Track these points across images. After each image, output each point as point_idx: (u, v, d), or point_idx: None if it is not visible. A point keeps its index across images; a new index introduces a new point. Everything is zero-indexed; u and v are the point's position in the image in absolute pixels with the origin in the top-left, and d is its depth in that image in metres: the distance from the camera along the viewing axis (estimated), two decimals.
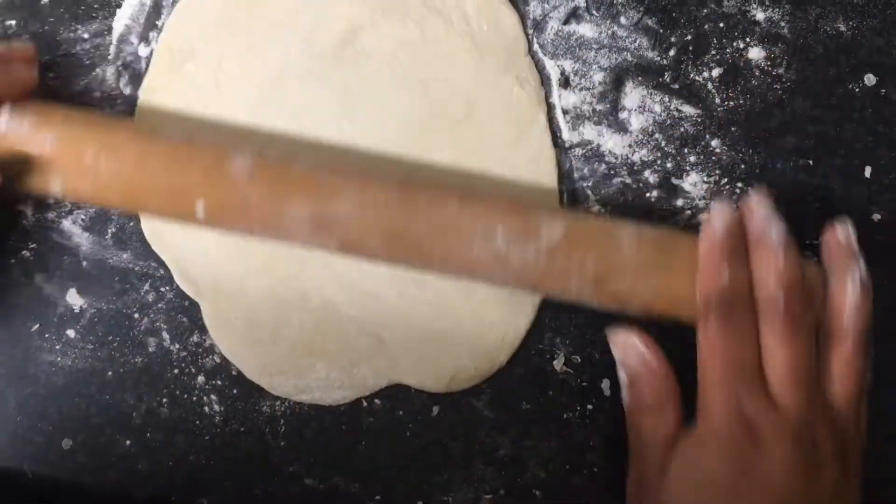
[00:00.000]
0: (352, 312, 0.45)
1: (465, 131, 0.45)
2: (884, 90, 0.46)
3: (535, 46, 0.46)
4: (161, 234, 0.46)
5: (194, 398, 0.46)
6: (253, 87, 0.46)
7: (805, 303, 0.39)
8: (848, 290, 0.39)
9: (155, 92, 0.46)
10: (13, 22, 0.46)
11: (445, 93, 0.45)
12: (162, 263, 0.46)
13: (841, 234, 0.41)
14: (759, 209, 0.40)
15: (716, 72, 0.46)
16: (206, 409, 0.46)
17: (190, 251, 0.45)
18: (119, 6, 0.46)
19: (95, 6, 0.46)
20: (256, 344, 0.45)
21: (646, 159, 0.46)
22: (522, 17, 0.46)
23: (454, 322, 0.45)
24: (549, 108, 0.46)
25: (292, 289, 0.45)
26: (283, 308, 0.45)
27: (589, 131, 0.46)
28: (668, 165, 0.46)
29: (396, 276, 0.45)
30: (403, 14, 0.46)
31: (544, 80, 0.46)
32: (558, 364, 0.46)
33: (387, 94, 0.45)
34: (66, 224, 0.46)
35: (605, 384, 0.46)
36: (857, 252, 0.40)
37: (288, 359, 0.45)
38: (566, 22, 0.46)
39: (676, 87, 0.46)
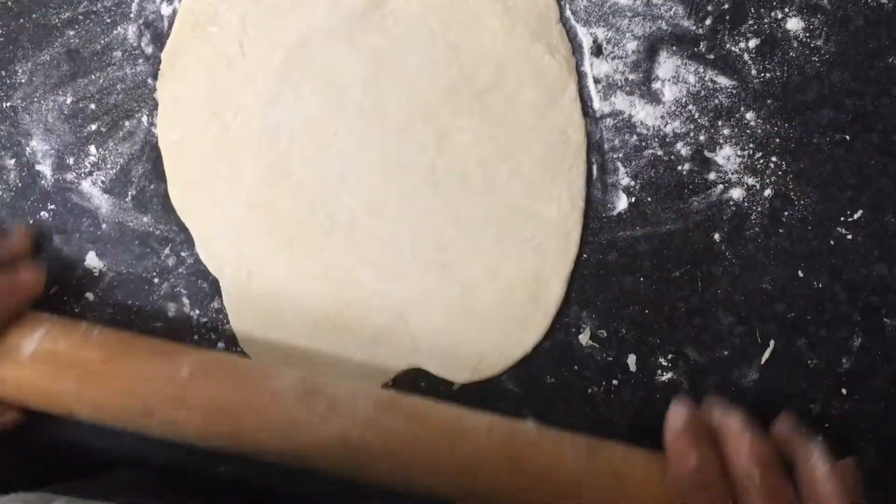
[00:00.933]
0: (374, 287, 0.45)
1: (493, 98, 0.44)
2: None
3: (568, 13, 0.45)
4: (187, 202, 0.45)
5: None
6: (277, 49, 0.45)
7: (781, 474, 0.38)
8: (817, 464, 0.39)
9: (178, 55, 0.45)
10: None
11: (474, 58, 0.44)
12: (183, 228, 0.45)
13: (785, 427, 0.41)
14: (717, 406, 0.41)
15: (752, 42, 0.45)
16: None
17: (215, 223, 0.45)
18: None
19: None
20: (276, 331, 0.44)
21: (678, 131, 0.45)
22: None
23: (479, 303, 0.44)
24: (580, 76, 0.45)
25: (315, 263, 0.45)
26: (305, 283, 0.45)
27: (620, 101, 0.45)
28: (701, 138, 0.45)
29: (419, 254, 0.44)
30: None
31: (576, 48, 0.45)
32: (584, 338, 0.45)
33: (414, 58, 0.44)
34: (86, 185, 0.45)
35: (632, 359, 0.45)
36: (805, 437, 0.40)
37: (309, 340, 0.44)
38: None
39: (711, 57, 0.45)
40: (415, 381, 0.45)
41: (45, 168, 0.46)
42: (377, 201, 0.45)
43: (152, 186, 0.45)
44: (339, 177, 0.45)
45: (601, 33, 0.45)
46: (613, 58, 0.45)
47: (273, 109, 0.45)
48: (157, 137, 0.46)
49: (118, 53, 0.45)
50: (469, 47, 0.44)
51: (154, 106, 0.46)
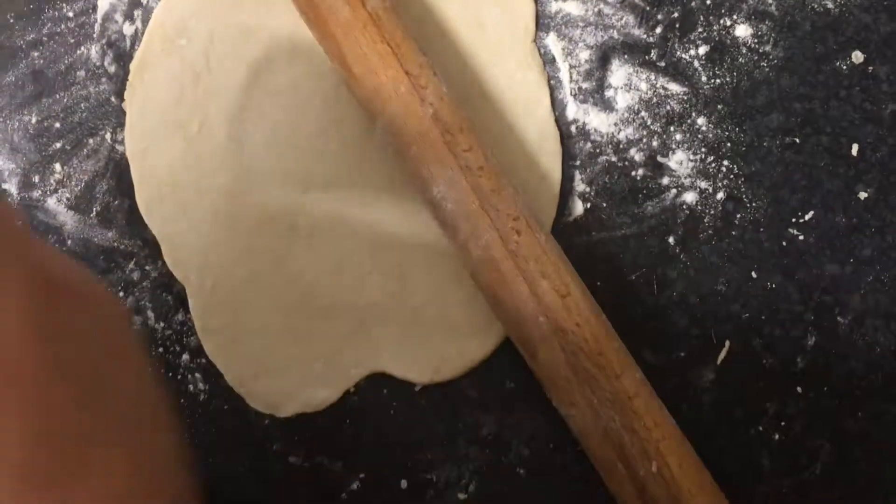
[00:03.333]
0: (334, 298, 0.45)
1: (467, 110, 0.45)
2: (871, 68, 0.45)
3: None
4: (154, 210, 0.46)
5: (179, 376, 0.46)
6: (242, 64, 0.46)
7: None
8: None
9: (146, 67, 0.46)
10: None
11: (450, 71, 0.45)
12: (147, 242, 0.46)
13: None
14: None
15: (702, 49, 0.46)
16: (191, 387, 0.46)
17: (181, 231, 0.45)
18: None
19: None
20: (241, 338, 0.45)
21: (632, 137, 0.46)
22: None
23: (440, 308, 0.45)
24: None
25: (277, 274, 0.45)
26: (268, 292, 0.45)
27: (574, 109, 0.46)
28: (654, 144, 0.46)
29: (380, 264, 0.45)
30: None
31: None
32: None
33: None
34: (51, 203, 0.46)
35: None
36: None
37: (273, 351, 0.45)
38: None
39: (663, 64, 0.46)
40: (378, 385, 0.46)
41: (11, 186, 0.46)
42: (338, 212, 0.46)
43: (116, 202, 0.46)
44: (300, 188, 0.46)
45: (553, 43, 0.46)
46: (567, 67, 0.46)
47: (237, 122, 0.46)
48: (120, 154, 0.46)
49: (82, 73, 0.46)
50: (436, 60, 0.45)
51: (118, 124, 0.47)
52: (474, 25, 0.46)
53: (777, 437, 0.45)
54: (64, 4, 0.46)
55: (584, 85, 0.46)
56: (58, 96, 0.47)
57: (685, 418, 0.45)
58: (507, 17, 0.46)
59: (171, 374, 0.46)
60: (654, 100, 0.46)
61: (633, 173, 0.46)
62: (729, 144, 0.46)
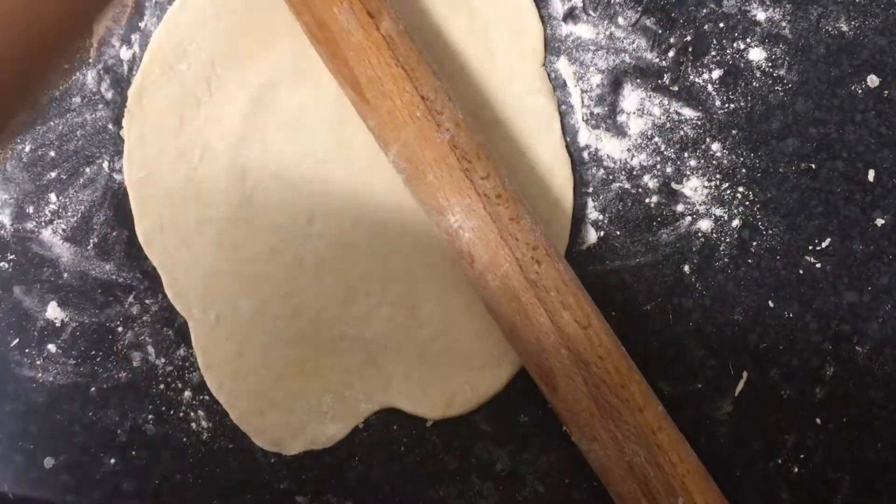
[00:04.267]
0: (343, 330, 0.44)
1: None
2: (886, 91, 0.45)
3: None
4: (155, 241, 0.44)
5: (181, 414, 0.45)
6: (244, 90, 0.44)
7: None
8: None
9: (144, 92, 0.44)
10: None
11: (458, 95, 0.44)
12: (147, 275, 0.44)
13: None
14: None
15: (716, 73, 0.45)
16: (194, 425, 0.45)
17: (183, 263, 0.44)
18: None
19: None
20: (246, 374, 0.44)
21: (645, 164, 0.45)
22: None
23: (452, 340, 0.44)
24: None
25: (283, 306, 0.44)
26: (273, 325, 0.44)
27: (586, 135, 0.45)
28: (668, 170, 0.45)
29: (389, 295, 0.44)
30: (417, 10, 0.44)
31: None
32: None
33: None
34: (46, 234, 0.45)
35: None
36: None
37: (279, 386, 0.44)
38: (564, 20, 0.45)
39: (676, 89, 0.45)
40: (388, 420, 0.45)
41: (4, 217, 0.45)
42: (345, 242, 0.44)
43: (114, 233, 0.45)
44: (306, 218, 0.44)
45: (565, 67, 0.45)
46: (579, 92, 0.45)
47: (239, 150, 0.44)
48: (118, 184, 0.45)
49: (77, 99, 0.45)
50: (451, 83, 0.44)
51: (116, 151, 0.45)
52: (482, 49, 0.45)
53: (796, 469, 0.44)
54: None
55: (596, 110, 0.45)
56: (52, 123, 0.45)
57: (702, 450, 0.44)
58: (516, 41, 0.45)
59: (172, 413, 0.45)
60: (668, 125, 0.45)
61: (647, 200, 0.45)
62: (744, 170, 0.45)
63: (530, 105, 0.45)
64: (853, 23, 0.45)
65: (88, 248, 0.45)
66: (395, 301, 0.44)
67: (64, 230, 0.45)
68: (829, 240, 0.44)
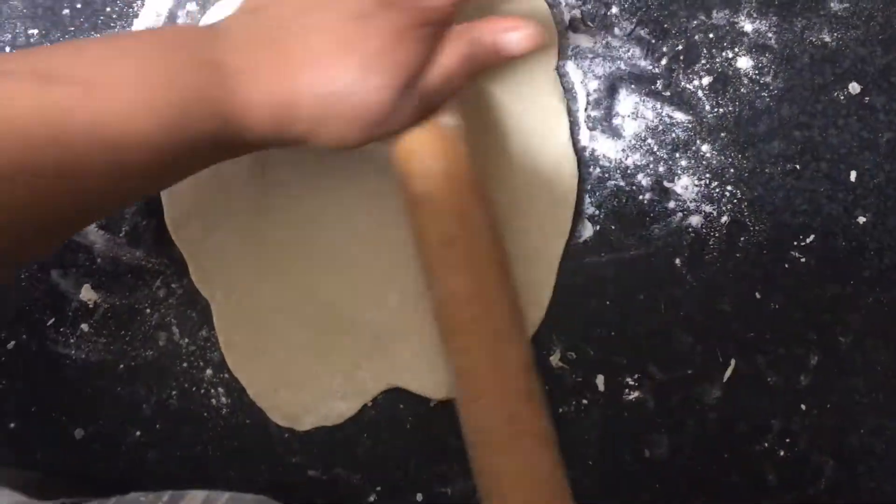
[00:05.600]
0: (353, 314, 0.47)
1: (481, 131, 0.47)
2: (867, 98, 0.48)
3: None
4: (182, 228, 0.47)
5: (202, 391, 0.48)
6: None
7: None
8: None
9: None
10: (35, 31, 0.49)
11: (473, 95, 0.47)
12: (174, 260, 0.48)
13: None
14: None
15: (706, 80, 0.48)
16: (214, 401, 0.48)
17: (208, 249, 0.47)
18: (136, 17, 0.49)
19: (114, 16, 0.49)
20: (263, 353, 0.47)
21: (639, 163, 0.48)
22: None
23: None
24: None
25: (299, 290, 0.47)
26: (290, 308, 0.47)
27: (584, 136, 0.48)
28: (661, 169, 0.48)
29: (399, 282, 0.46)
30: None
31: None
32: (554, 359, 0.47)
33: None
34: None
35: (600, 379, 0.47)
36: None
37: (293, 365, 0.47)
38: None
39: (668, 94, 0.48)
40: (394, 400, 0.47)
41: None
42: (359, 232, 0.47)
43: (144, 222, 0.48)
44: (322, 210, 0.47)
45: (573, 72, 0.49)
46: (583, 95, 0.48)
47: None
48: None
49: None
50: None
51: None
52: None
53: (782, 453, 0.46)
54: (97, 35, 0.48)
55: (593, 113, 0.48)
56: None
57: (691, 434, 0.47)
58: None
59: (194, 389, 0.47)
60: (660, 127, 0.48)
61: (641, 197, 0.48)
62: (732, 170, 0.48)
63: (542, 105, 0.47)
64: (835, 34, 0.48)
65: (120, 235, 0.48)
66: (404, 288, 0.47)
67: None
68: (812, 236, 0.47)
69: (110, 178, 0.35)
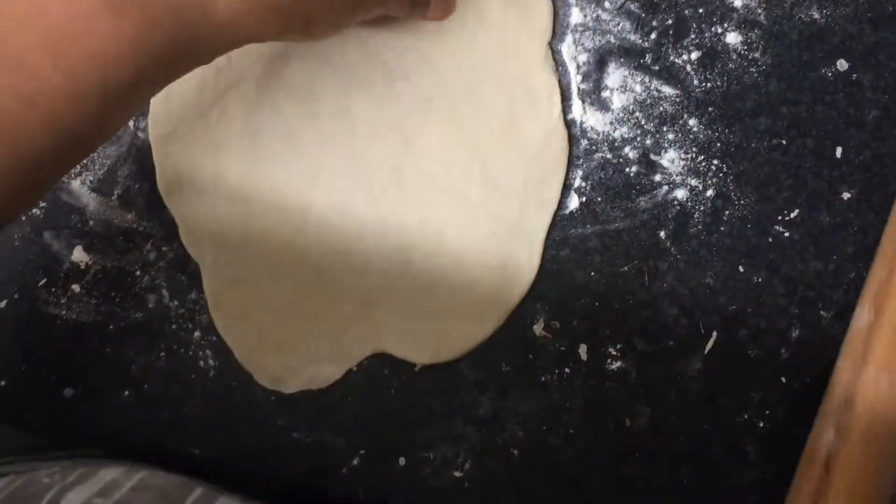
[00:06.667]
0: (341, 279, 0.47)
1: (466, 105, 0.47)
2: (855, 75, 0.48)
3: None
4: (174, 192, 0.48)
5: (190, 353, 0.48)
6: (260, 60, 0.48)
7: None
8: None
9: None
10: None
11: (449, 68, 0.47)
12: (164, 224, 0.48)
13: None
14: None
15: (695, 55, 0.48)
16: (202, 363, 0.48)
17: (198, 212, 0.48)
18: None
19: None
20: (250, 316, 0.48)
21: (626, 136, 0.48)
22: None
23: (443, 295, 0.47)
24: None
25: (287, 255, 0.48)
26: (278, 273, 0.48)
27: (573, 108, 0.49)
28: (648, 142, 0.48)
29: (383, 250, 0.47)
30: None
31: None
32: (538, 328, 0.48)
33: (387, 67, 0.48)
34: (75, 185, 0.49)
35: (583, 349, 0.48)
36: None
37: (280, 328, 0.47)
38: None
39: (657, 68, 0.48)
40: (379, 365, 0.48)
41: None
42: (346, 201, 0.48)
43: (137, 186, 0.49)
44: (310, 178, 0.48)
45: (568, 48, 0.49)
46: (575, 68, 0.49)
47: (252, 115, 0.48)
48: (142, 141, 0.49)
49: None
50: (445, 59, 0.48)
51: (141, 112, 0.49)
52: (496, 25, 0.48)
53: (761, 424, 0.47)
54: None
55: (582, 86, 0.49)
56: None
57: (673, 405, 0.47)
58: (525, 19, 0.48)
59: (182, 350, 0.48)
60: (648, 101, 0.48)
61: (627, 170, 0.48)
62: (719, 145, 0.48)
63: (534, 80, 0.48)
64: (825, 11, 0.48)
65: (113, 198, 0.49)
66: (389, 255, 0.47)
67: (91, 181, 0.49)
68: (797, 211, 0.47)
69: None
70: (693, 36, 0.48)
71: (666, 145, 0.48)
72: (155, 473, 0.43)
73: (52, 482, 0.41)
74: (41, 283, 0.49)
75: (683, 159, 0.48)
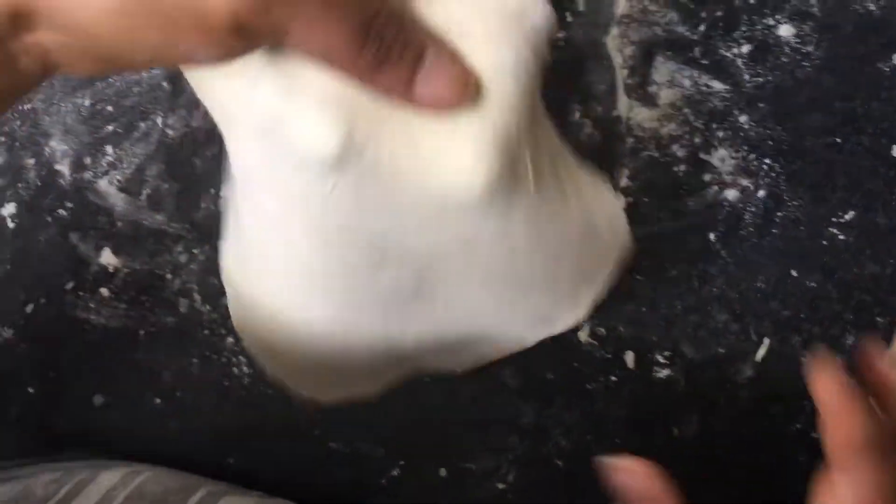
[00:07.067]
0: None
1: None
2: None
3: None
4: None
5: (223, 359, 0.47)
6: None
7: None
8: None
9: None
10: None
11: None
12: (195, 226, 0.47)
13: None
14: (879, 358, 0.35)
15: (745, 48, 0.46)
16: (235, 370, 0.47)
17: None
18: None
19: None
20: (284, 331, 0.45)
21: (674, 133, 0.46)
22: None
23: (484, 329, 0.44)
24: None
25: (323, 266, 0.46)
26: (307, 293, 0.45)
27: (618, 105, 0.47)
28: (696, 140, 0.46)
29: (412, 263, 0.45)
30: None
31: None
32: (583, 335, 0.46)
33: None
34: (102, 184, 0.47)
35: (629, 357, 0.46)
36: None
37: (317, 340, 0.45)
38: None
39: (706, 62, 0.46)
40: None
41: (64, 168, 0.47)
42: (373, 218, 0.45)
43: (166, 186, 0.47)
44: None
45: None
46: (620, 63, 0.47)
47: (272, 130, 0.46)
48: (170, 138, 0.47)
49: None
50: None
51: (169, 108, 0.47)
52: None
53: (814, 435, 0.45)
54: None
55: (628, 81, 0.47)
56: (111, 80, 0.48)
57: (722, 414, 0.46)
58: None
59: (215, 357, 0.47)
60: (697, 96, 0.46)
61: (675, 169, 0.46)
62: (770, 143, 0.46)
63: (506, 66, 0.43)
64: (881, 2, 0.46)
65: (141, 198, 0.47)
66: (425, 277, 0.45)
67: (119, 181, 0.47)
68: (852, 212, 0.46)
69: None
70: (744, 28, 0.46)
71: (716, 143, 0.46)
72: (159, 475, 0.42)
73: (48, 494, 0.40)
74: (69, 287, 0.47)
75: (734, 158, 0.46)
